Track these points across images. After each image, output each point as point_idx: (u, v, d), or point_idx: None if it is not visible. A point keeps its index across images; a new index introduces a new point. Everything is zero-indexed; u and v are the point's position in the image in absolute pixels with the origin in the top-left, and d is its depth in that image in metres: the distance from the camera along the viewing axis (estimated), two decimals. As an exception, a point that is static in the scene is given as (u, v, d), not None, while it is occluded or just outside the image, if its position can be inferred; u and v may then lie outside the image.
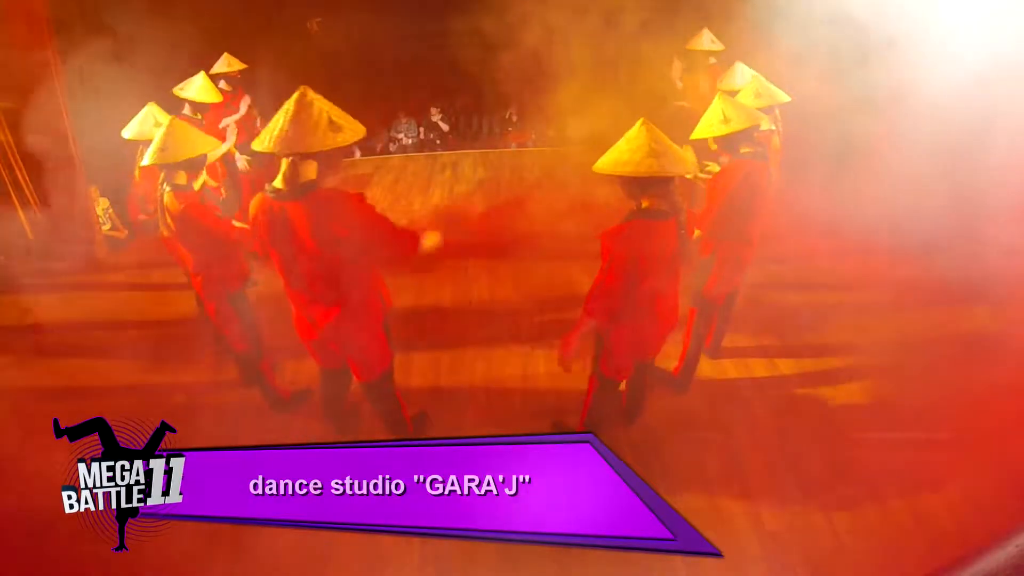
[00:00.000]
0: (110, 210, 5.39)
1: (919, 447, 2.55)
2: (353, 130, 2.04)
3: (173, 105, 3.75)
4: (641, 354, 2.52)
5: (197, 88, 3.93)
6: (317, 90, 2.08)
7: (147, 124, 3.25)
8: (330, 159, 2.07)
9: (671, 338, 3.28)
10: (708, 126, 2.66)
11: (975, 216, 3.51)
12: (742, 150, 2.66)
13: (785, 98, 3.15)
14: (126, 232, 5.48)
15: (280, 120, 1.99)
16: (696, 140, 2.78)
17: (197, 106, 3.95)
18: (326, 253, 2.06)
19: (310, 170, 2.02)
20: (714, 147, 2.79)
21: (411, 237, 2.19)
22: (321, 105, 2.01)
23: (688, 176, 2.80)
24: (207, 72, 4.42)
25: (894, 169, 4.33)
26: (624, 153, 2.13)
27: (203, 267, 2.74)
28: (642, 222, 2.17)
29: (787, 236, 3.96)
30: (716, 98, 2.69)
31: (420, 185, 6.59)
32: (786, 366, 3.28)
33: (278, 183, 2.05)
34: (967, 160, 3.44)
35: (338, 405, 2.75)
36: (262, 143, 2.02)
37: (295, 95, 2.01)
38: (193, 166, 2.65)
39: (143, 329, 3.86)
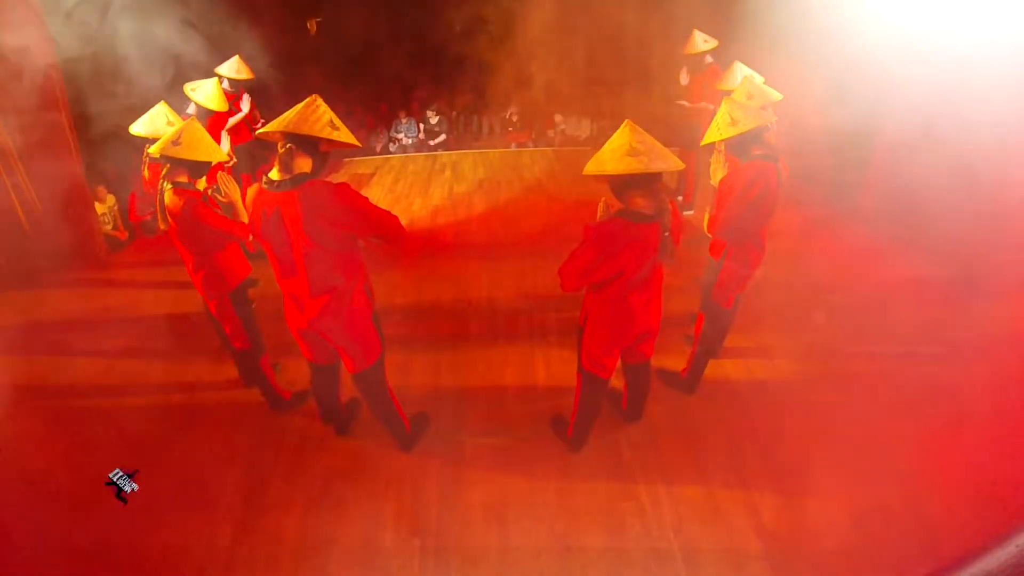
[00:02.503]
0: (115, 207, 5.40)
1: (919, 447, 2.55)
2: (349, 135, 2.17)
3: (177, 104, 3.75)
4: (619, 350, 2.50)
5: (207, 94, 3.94)
6: (316, 89, 2.25)
7: (158, 122, 3.24)
8: (325, 155, 2.20)
9: (675, 339, 3.33)
10: (716, 130, 2.64)
11: (976, 215, 3.50)
12: (754, 152, 2.64)
13: (777, 96, 3.11)
14: (127, 233, 5.49)
15: (287, 114, 2.13)
16: (707, 145, 2.76)
17: (203, 109, 3.95)
18: (317, 242, 2.14)
19: (305, 163, 2.13)
20: (722, 149, 2.78)
21: (395, 218, 2.29)
22: (326, 109, 2.16)
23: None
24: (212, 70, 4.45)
25: (894, 168, 4.33)
26: (606, 153, 2.15)
27: (202, 265, 2.75)
28: (625, 222, 2.18)
29: (787, 236, 3.96)
30: (723, 102, 2.68)
31: (420, 185, 6.60)
32: (786, 366, 3.28)
33: (274, 174, 2.15)
34: (969, 158, 3.43)
35: (331, 403, 2.78)
36: (266, 129, 2.16)
37: (306, 100, 2.14)
38: (197, 170, 2.68)
39: (143, 329, 3.86)
